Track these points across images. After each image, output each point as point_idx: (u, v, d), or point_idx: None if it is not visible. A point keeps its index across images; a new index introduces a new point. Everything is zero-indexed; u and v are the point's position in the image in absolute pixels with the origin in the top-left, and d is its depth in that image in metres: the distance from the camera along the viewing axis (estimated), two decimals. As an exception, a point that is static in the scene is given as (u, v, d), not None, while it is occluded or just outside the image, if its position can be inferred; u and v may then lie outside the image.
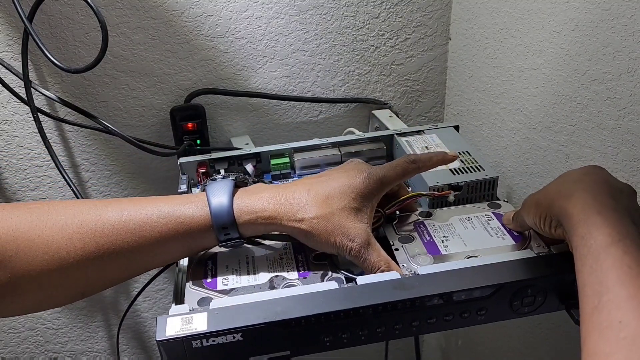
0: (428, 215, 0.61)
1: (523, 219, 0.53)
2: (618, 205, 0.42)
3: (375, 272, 0.51)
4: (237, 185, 0.53)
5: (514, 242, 0.56)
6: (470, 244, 0.56)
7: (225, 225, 0.50)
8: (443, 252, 0.55)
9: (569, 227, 0.43)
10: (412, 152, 0.70)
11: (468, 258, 0.54)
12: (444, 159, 0.57)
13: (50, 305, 0.51)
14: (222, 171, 0.71)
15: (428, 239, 0.57)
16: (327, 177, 0.53)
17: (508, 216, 0.58)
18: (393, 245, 0.56)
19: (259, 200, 0.51)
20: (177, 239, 0.50)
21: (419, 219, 0.60)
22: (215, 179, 0.66)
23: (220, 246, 0.52)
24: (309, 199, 0.51)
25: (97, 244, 0.48)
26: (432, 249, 0.56)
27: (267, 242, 0.59)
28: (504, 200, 0.63)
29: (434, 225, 0.59)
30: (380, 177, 0.53)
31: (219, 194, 0.51)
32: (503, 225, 0.58)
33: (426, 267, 0.52)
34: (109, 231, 0.48)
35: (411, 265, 0.53)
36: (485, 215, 0.60)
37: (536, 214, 0.49)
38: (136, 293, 0.74)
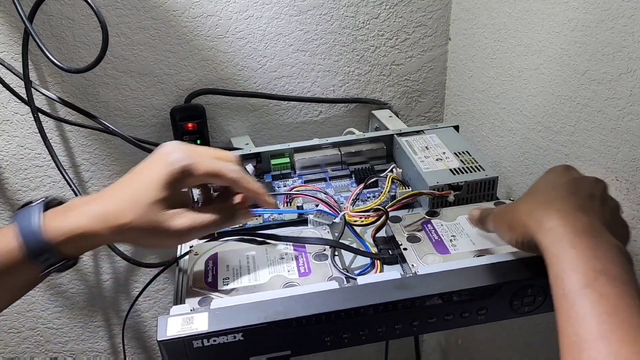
0: (434, 214, 0.61)
1: (492, 230, 0.52)
2: (591, 221, 0.41)
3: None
4: (52, 206, 0.49)
5: None
6: (479, 243, 0.56)
7: (41, 251, 0.45)
8: (452, 252, 0.55)
9: (545, 259, 0.41)
10: (412, 152, 0.71)
11: (477, 257, 0.54)
12: (259, 195, 0.52)
13: None
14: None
15: (436, 238, 0.57)
16: (131, 174, 0.50)
17: (474, 215, 0.55)
18: (402, 245, 0.56)
19: (70, 218, 0.47)
20: None
21: (426, 218, 0.60)
22: (28, 204, 0.54)
23: (44, 274, 0.47)
24: (119, 204, 0.47)
25: None
26: (441, 249, 0.56)
27: (266, 242, 0.59)
28: (510, 199, 0.63)
29: (441, 225, 0.59)
30: (186, 166, 0.48)
31: (28, 218, 0.46)
32: None
33: (427, 267, 0.52)
34: None
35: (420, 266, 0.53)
36: None
37: (512, 237, 0.47)
38: (137, 293, 0.74)
